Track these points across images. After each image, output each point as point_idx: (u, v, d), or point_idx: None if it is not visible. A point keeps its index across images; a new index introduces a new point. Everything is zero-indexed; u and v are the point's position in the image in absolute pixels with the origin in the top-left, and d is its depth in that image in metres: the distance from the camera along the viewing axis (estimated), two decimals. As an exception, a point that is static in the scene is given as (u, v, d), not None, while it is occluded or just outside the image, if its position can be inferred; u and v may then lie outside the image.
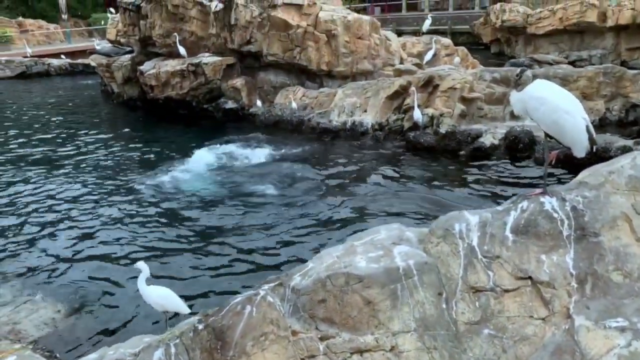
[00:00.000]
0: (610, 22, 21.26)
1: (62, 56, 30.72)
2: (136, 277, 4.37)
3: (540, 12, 24.21)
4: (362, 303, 3.49)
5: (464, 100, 10.96)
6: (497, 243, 3.67)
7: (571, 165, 7.32)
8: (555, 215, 3.66)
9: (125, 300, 5.58)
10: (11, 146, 13.24)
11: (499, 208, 3.99)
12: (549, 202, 3.75)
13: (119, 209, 8.47)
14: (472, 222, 3.85)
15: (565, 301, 3.35)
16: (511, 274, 3.54)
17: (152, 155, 11.64)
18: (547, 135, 3.88)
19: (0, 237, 7.58)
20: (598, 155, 6.78)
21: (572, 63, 16.63)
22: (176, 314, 4.55)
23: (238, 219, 7.78)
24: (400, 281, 3.54)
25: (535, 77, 4.03)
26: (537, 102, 3.71)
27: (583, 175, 4.13)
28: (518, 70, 4.05)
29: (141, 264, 4.06)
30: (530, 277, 3.49)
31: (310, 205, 8.13)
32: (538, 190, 3.91)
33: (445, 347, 3.37)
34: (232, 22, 14.03)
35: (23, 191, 9.58)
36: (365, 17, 14.66)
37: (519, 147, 9.54)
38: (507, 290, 3.50)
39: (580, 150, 3.69)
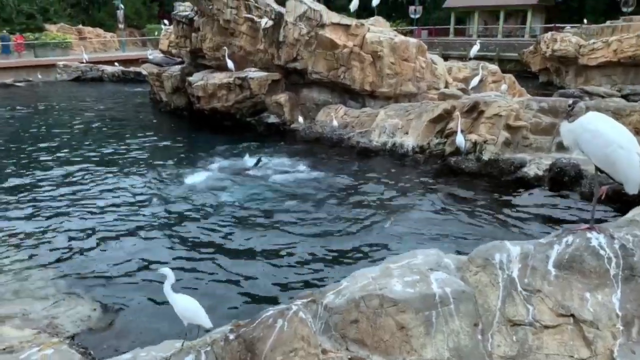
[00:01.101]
0: (667, 57, 20.56)
1: (116, 63, 32.05)
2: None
3: (594, 43, 23.63)
4: (395, 327, 3.44)
5: (509, 128, 10.74)
6: (538, 276, 3.56)
7: (620, 202, 7.05)
8: (603, 252, 3.53)
9: (160, 304, 5.67)
10: (60, 146, 13.82)
11: (542, 241, 3.88)
12: (596, 239, 3.62)
13: (157, 212, 8.69)
14: (513, 253, 3.76)
15: (609, 343, 3.21)
16: (552, 309, 3.42)
17: (192, 163, 11.89)
18: (598, 169, 3.76)
19: (44, 235, 7.86)
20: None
21: (625, 97, 16.07)
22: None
23: (272, 231, 7.82)
24: (435, 308, 3.47)
25: (587, 109, 3.93)
26: (590, 135, 3.61)
27: (634, 212, 3.98)
28: (571, 100, 3.95)
29: (166, 270, 4.07)
30: (572, 315, 3.36)
31: (345, 223, 8.10)
32: (585, 226, 3.78)
33: (478, 380, 3.27)
34: (281, 39, 14.32)
35: (67, 189, 9.95)
36: (412, 40, 14.69)
37: (564, 180, 9.24)
38: (547, 327, 3.38)
39: (633, 186, 3.56)
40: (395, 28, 21.66)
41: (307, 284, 5.78)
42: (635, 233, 3.58)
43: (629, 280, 3.38)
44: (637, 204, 4.28)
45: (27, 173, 11.11)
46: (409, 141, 11.93)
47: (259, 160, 11.77)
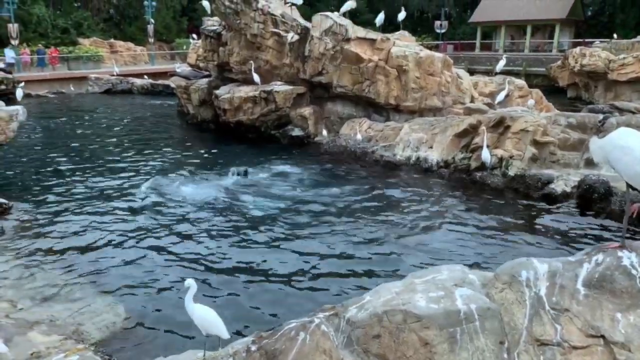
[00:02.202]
0: (701, 72, 20.02)
1: (145, 76, 32.83)
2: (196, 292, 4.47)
3: (624, 58, 23.20)
4: (418, 343, 3.40)
5: (536, 143, 10.58)
6: (567, 295, 3.48)
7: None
8: (634, 272, 3.44)
9: (184, 314, 5.72)
10: (90, 155, 14.16)
11: (571, 259, 3.79)
12: (628, 257, 3.53)
13: (182, 223, 8.80)
14: (541, 271, 3.69)
15: (642, 366, 3.10)
16: (581, 330, 3.33)
17: (217, 174, 12.02)
18: (629, 186, 3.67)
19: (73, 241, 8.03)
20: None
21: (657, 113, 15.67)
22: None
23: (294, 243, 7.84)
24: (460, 325, 3.42)
25: (618, 125, 3.85)
26: (621, 152, 3.53)
27: (667, 231, 3.85)
28: (601, 116, 3.88)
29: (191, 281, 4.11)
30: (602, 336, 3.27)
31: (368, 236, 8.07)
32: (616, 244, 3.69)
33: (504, 400, 3.19)
34: (306, 53, 14.47)
35: (95, 198, 10.18)
36: (438, 55, 14.66)
37: (593, 197, 9.01)
38: (575, 347, 3.29)
39: (665, 204, 3.47)
40: (420, 42, 21.67)
41: (330, 297, 5.75)
42: (669, 252, 3.48)
43: (662, 302, 3.28)
44: (671, 222, 4.16)
45: (59, 181, 11.41)
46: (434, 155, 11.85)
47: (245, 172, 11.75)
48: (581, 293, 3.47)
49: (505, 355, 3.36)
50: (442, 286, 3.74)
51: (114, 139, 16.76)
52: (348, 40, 13.78)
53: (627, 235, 4.50)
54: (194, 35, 30.47)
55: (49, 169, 12.57)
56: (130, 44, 44.21)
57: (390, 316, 3.52)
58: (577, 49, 26.68)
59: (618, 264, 3.51)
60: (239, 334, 4.81)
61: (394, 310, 3.53)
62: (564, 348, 3.31)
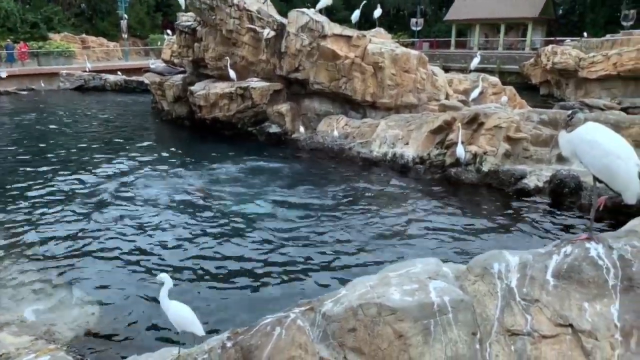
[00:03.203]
0: (667, 71, 20.65)
1: (119, 73, 32.24)
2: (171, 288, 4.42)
3: (594, 56, 23.77)
4: (393, 336, 3.43)
5: (509, 139, 10.78)
6: (537, 286, 3.56)
7: (619, 213, 7.05)
8: (601, 262, 3.53)
9: (158, 311, 5.65)
10: (60, 153, 13.86)
11: (541, 251, 3.88)
12: (595, 249, 3.62)
13: (154, 219, 8.70)
14: (512, 263, 3.76)
15: (608, 354, 3.19)
16: (550, 319, 3.41)
17: (191, 171, 11.91)
18: (596, 179, 3.77)
19: (45, 241, 7.87)
20: (649, 206, 6.53)
21: (625, 109, 16.12)
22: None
23: (270, 239, 7.82)
24: (434, 317, 3.46)
25: (586, 120, 3.94)
26: (588, 145, 3.62)
27: (632, 223, 3.97)
28: (570, 111, 3.97)
29: (164, 276, 4.04)
30: (570, 325, 3.35)
31: (344, 232, 8.10)
32: (584, 236, 3.78)
33: (476, 389, 3.25)
34: (282, 49, 14.42)
35: (64, 195, 9.99)
36: (413, 52, 14.77)
37: (564, 191, 9.25)
38: (545, 336, 3.37)
39: (631, 197, 3.57)
40: (396, 40, 21.78)
41: (306, 293, 5.76)
42: (634, 243, 3.58)
43: (627, 291, 3.37)
44: (637, 215, 4.28)
45: (25, 179, 11.15)
46: (410, 152, 11.96)
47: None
48: (550, 284, 3.55)
49: (478, 346, 3.42)
50: (416, 279, 3.78)
51: (86, 137, 16.43)
52: (324, 36, 13.77)
53: (596, 228, 4.63)
54: (169, 31, 30.08)
55: (20, 169, 12.24)
56: (103, 40, 43.31)
57: (365, 309, 3.54)
58: (549, 47, 27.22)
59: (586, 255, 3.60)
60: (214, 331, 4.77)
61: (368, 304, 3.55)
62: (534, 337, 3.38)
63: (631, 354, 3.17)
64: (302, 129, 14.46)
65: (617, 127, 10.04)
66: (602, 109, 14.15)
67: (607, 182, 3.67)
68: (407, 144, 12.22)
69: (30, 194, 10.16)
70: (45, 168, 12.25)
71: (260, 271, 6.78)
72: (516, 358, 3.35)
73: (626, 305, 3.32)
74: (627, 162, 3.53)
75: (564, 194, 9.25)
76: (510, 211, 9.09)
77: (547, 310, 3.44)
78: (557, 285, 3.52)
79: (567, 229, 8.13)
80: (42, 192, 10.29)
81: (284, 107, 14.91)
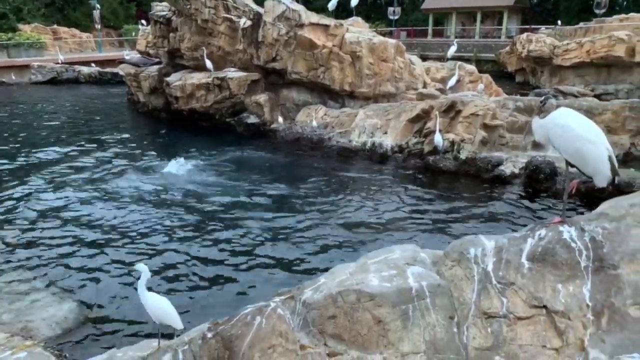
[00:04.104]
0: (639, 57, 21.08)
1: (92, 64, 31.57)
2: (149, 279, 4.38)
3: (568, 44, 24.13)
4: (372, 321, 3.47)
5: (485, 127, 10.91)
6: (512, 270, 3.62)
7: (592, 198, 7.23)
8: (574, 245, 3.61)
9: (137, 304, 5.60)
10: (34, 147, 13.56)
11: (516, 234, 3.95)
12: (568, 232, 3.70)
13: (132, 212, 8.61)
14: (488, 247, 3.82)
15: (580, 333, 3.28)
16: (525, 301, 3.48)
17: (168, 163, 11.77)
18: (568, 163, 3.84)
19: (19, 237, 7.71)
20: (621, 191, 6.69)
21: (598, 96, 16.44)
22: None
23: (249, 230, 7.81)
24: (412, 302, 3.51)
25: (559, 106, 4.01)
26: (561, 130, 3.69)
27: (604, 206, 4.06)
28: (542, 97, 4.03)
29: (141, 266, 3.95)
30: (545, 306, 3.43)
31: (325, 222, 8.13)
32: (557, 219, 3.86)
33: (454, 371, 3.31)
34: (259, 39, 14.29)
35: (39, 190, 9.80)
36: (391, 41, 14.80)
37: (540, 177, 9.42)
38: (520, 318, 3.44)
39: (601, 180, 3.65)
40: (374, 29, 21.79)
41: (286, 282, 5.78)
42: (605, 226, 3.67)
43: (598, 272, 3.46)
44: (607, 198, 4.38)
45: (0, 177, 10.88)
46: (388, 141, 12.02)
47: None
48: (525, 267, 3.62)
49: (455, 329, 3.48)
50: (394, 265, 3.82)
51: (60, 131, 16.10)
52: (301, 26, 13.69)
53: (567, 213, 4.74)
54: (143, 21, 29.52)
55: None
56: (75, 31, 42.28)
57: (344, 296, 3.57)
58: (524, 35, 27.54)
59: (559, 238, 3.68)
60: (195, 323, 4.75)
61: (347, 291, 3.58)
62: (510, 319, 3.45)
63: (602, 332, 3.26)
64: (280, 119, 14.40)
65: (590, 113, 10.25)
66: (575, 96, 14.40)
67: (578, 166, 3.74)
68: (385, 133, 12.28)
69: (1, 190, 9.92)
70: (17, 163, 11.97)
71: (239, 262, 6.76)
72: (492, 340, 3.42)
73: (597, 285, 3.41)
74: (598, 146, 3.61)
75: (540, 180, 9.42)
76: (487, 197, 9.23)
77: (522, 293, 3.51)
78: (531, 268, 3.59)
79: (542, 213, 8.30)
80: (15, 188, 10.07)
81: (262, 98, 14.81)
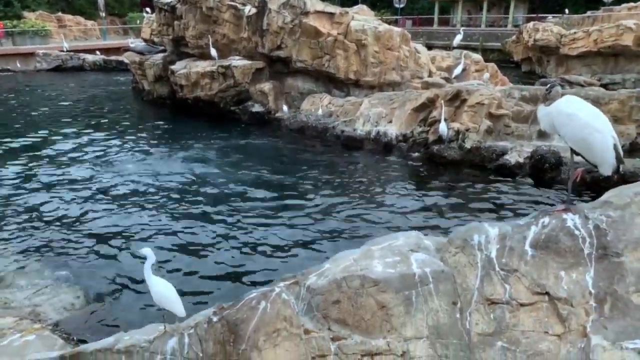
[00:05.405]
0: (646, 47, 20.88)
1: (97, 52, 31.54)
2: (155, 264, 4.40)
3: (575, 33, 23.88)
4: (376, 307, 3.50)
5: (491, 116, 10.87)
6: (515, 257, 3.64)
7: (597, 187, 7.22)
8: (577, 232, 3.62)
9: (144, 289, 5.67)
10: (40, 134, 13.63)
11: (520, 222, 3.96)
12: (572, 219, 3.71)
13: (139, 198, 8.67)
14: (492, 234, 3.84)
15: (583, 319, 3.30)
16: (528, 288, 3.50)
17: (173, 150, 11.82)
18: (573, 152, 3.84)
19: (27, 223, 7.79)
20: (626, 180, 6.67)
21: (605, 86, 16.34)
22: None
23: (255, 217, 7.85)
24: (415, 288, 3.54)
25: (564, 94, 4.00)
26: (567, 118, 3.67)
27: (608, 195, 4.06)
28: (548, 85, 4.02)
29: (146, 250, 3.99)
30: (547, 293, 3.45)
31: (329, 209, 8.16)
32: (561, 207, 3.87)
33: (456, 356, 3.35)
34: (264, 27, 14.23)
35: (46, 177, 9.87)
36: (396, 29, 14.70)
37: (545, 167, 9.40)
38: (523, 304, 3.47)
39: (606, 168, 3.64)
40: (379, 17, 21.63)
41: (290, 268, 5.82)
42: (609, 214, 3.67)
43: (602, 259, 3.47)
44: (613, 188, 4.37)
45: (6, 163, 10.94)
46: (393, 130, 12.00)
47: None
48: (529, 254, 3.64)
49: (458, 315, 3.51)
50: (398, 252, 3.84)
51: (66, 118, 16.14)
52: (307, 13, 13.62)
53: (572, 198, 4.73)
54: (148, 9, 29.32)
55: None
56: (80, 18, 42.16)
57: (348, 282, 3.60)
58: (531, 24, 27.26)
59: (562, 225, 3.69)
60: (200, 307, 4.81)
61: (352, 276, 3.61)
62: (512, 306, 3.48)
63: (605, 319, 3.28)
64: (285, 107, 14.38)
65: (596, 103, 10.18)
66: (582, 86, 14.31)
67: (584, 154, 3.74)
68: (390, 122, 12.25)
69: (8, 176, 10.00)
70: (24, 149, 12.04)
71: (244, 248, 6.81)
72: (495, 325, 3.45)
73: (600, 272, 3.43)
74: (604, 134, 3.60)
75: (545, 170, 9.40)
76: (491, 187, 9.22)
77: (525, 280, 3.53)
78: (535, 255, 3.61)
79: (546, 202, 8.29)
80: (22, 174, 10.15)
81: (266, 86, 14.78)
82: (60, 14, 41.13)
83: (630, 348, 3.05)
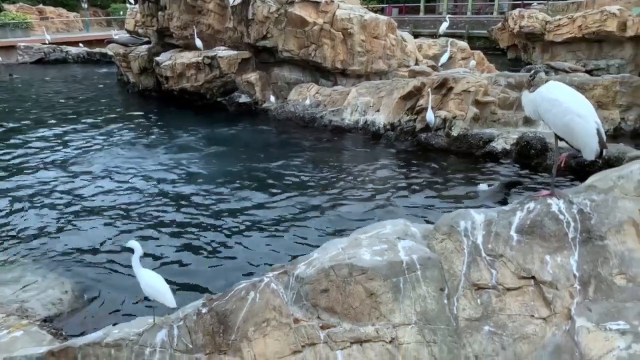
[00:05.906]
0: (630, 32, 21.00)
1: (80, 44, 31.07)
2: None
3: (559, 19, 23.96)
4: (364, 294, 3.53)
5: (477, 103, 10.91)
6: (501, 242, 3.69)
7: (582, 172, 7.30)
8: (562, 217, 3.67)
9: (132, 283, 5.64)
10: (23, 128, 13.44)
11: (505, 208, 4.00)
12: (556, 204, 3.76)
13: (125, 190, 8.62)
14: (478, 220, 3.87)
15: (567, 302, 3.36)
16: (514, 273, 3.55)
17: (159, 142, 11.73)
18: (557, 137, 3.88)
19: (13, 217, 7.71)
20: (611, 165, 6.76)
21: (590, 72, 16.46)
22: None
23: (242, 208, 7.84)
24: (403, 275, 3.57)
25: (548, 80, 4.03)
26: (550, 104, 3.71)
27: (592, 179, 4.12)
28: (532, 71, 4.05)
29: (133, 243, 3.99)
30: (533, 277, 3.50)
31: (317, 199, 8.17)
32: (545, 192, 3.92)
33: (444, 341, 3.39)
34: (250, 16, 14.11)
35: (30, 171, 9.75)
36: (382, 17, 14.66)
37: (531, 153, 9.47)
38: (509, 289, 3.52)
39: (590, 153, 3.69)
40: (365, 5, 21.56)
41: (280, 258, 5.83)
42: (593, 198, 3.72)
43: (585, 243, 3.53)
44: (596, 171, 4.43)
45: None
46: (381, 118, 12.01)
47: None
48: (514, 239, 3.68)
49: (446, 301, 3.55)
50: (385, 240, 3.87)
51: (49, 113, 15.90)
52: (292, 2, 13.52)
53: (558, 183, 4.79)
54: (131, 0, 28.95)
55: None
56: (62, 10, 41.46)
57: (337, 270, 3.62)
58: (516, 11, 27.29)
59: (547, 210, 3.74)
60: (187, 300, 4.80)
61: (340, 265, 3.63)
62: (499, 290, 3.53)
63: (589, 301, 3.34)
64: (272, 98, 14.31)
65: (581, 88, 10.24)
66: (567, 72, 14.40)
67: (567, 139, 3.78)
68: (378, 110, 12.26)
69: (-7, 171, 9.88)
70: (7, 144, 11.87)
71: (232, 239, 6.80)
72: (482, 310, 3.49)
73: (584, 256, 3.49)
74: (587, 119, 3.64)
75: (531, 156, 9.48)
76: (478, 174, 9.28)
77: (511, 264, 3.58)
78: (520, 240, 3.65)
79: (533, 188, 8.37)
80: (6, 169, 10.00)
81: (253, 76, 14.69)
82: (41, 5, 40.37)
83: (614, 329, 3.11)
